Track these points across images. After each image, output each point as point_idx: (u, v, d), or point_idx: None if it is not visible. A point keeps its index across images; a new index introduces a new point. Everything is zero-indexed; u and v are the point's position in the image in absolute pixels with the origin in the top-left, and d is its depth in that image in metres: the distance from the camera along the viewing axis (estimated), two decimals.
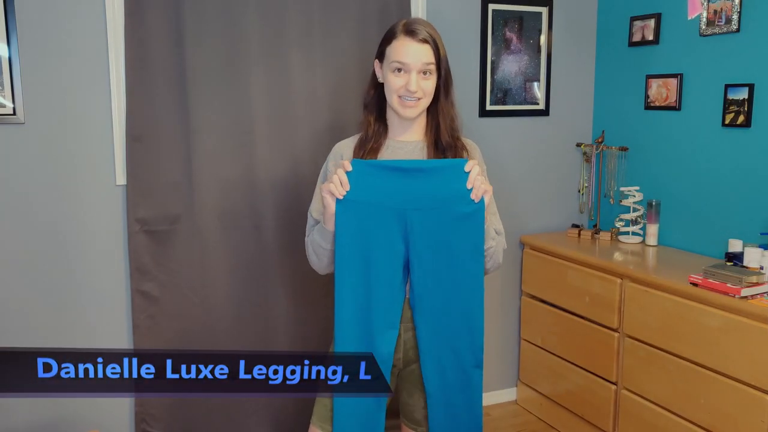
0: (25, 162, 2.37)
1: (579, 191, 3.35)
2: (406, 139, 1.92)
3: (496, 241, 1.84)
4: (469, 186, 1.72)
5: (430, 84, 1.83)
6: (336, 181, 1.72)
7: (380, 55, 1.88)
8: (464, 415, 1.84)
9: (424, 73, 1.81)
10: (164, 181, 2.50)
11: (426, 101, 1.85)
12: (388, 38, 1.85)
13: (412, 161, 1.80)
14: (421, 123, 1.92)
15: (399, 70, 1.81)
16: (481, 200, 1.73)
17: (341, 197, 1.72)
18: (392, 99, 1.84)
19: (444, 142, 1.89)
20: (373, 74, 1.92)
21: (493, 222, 1.89)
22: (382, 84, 1.89)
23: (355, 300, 1.77)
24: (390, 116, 1.92)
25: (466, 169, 1.71)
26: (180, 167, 2.51)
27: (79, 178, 2.45)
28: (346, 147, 1.94)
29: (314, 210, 1.91)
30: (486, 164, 1.98)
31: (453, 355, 1.81)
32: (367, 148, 1.89)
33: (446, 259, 1.78)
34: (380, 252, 1.76)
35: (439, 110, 1.89)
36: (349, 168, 1.72)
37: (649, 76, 3.00)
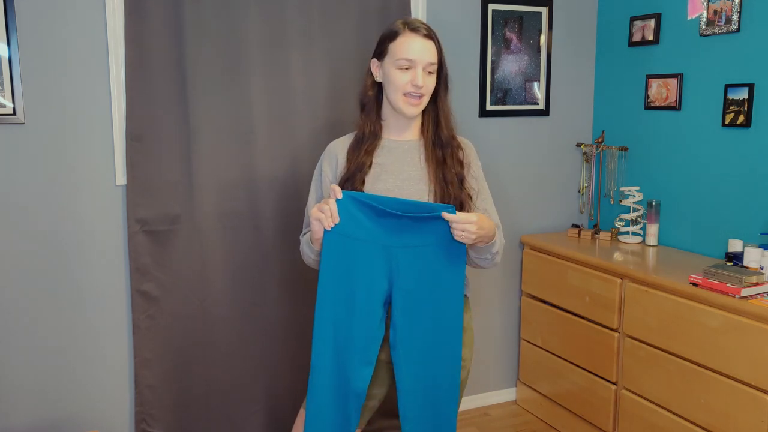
0: (25, 162, 2.37)
1: (579, 191, 3.34)
2: (403, 139, 1.92)
3: (497, 246, 1.85)
4: (455, 237, 1.72)
5: (432, 81, 1.85)
6: (327, 211, 1.70)
7: (380, 54, 1.88)
8: None
9: (428, 70, 1.83)
10: (164, 181, 2.50)
11: (426, 99, 1.86)
12: (391, 36, 1.84)
13: (397, 204, 1.74)
14: (417, 122, 1.93)
15: (405, 66, 1.81)
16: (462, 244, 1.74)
17: (329, 229, 1.71)
18: (397, 96, 1.83)
19: (443, 139, 1.89)
20: (369, 74, 1.92)
21: (492, 217, 1.92)
22: (379, 83, 1.90)
23: (334, 334, 1.76)
24: (387, 116, 1.92)
25: (446, 217, 1.70)
26: (180, 167, 2.51)
27: (79, 178, 2.45)
28: (340, 145, 1.95)
29: (311, 207, 1.92)
30: (486, 164, 1.99)
31: (431, 401, 1.81)
32: (363, 149, 1.89)
33: (429, 300, 1.77)
34: (363, 289, 1.74)
35: (439, 108, 1.90)
36: (340, 196, 1.71)
37: (649, 76, 3.00)
